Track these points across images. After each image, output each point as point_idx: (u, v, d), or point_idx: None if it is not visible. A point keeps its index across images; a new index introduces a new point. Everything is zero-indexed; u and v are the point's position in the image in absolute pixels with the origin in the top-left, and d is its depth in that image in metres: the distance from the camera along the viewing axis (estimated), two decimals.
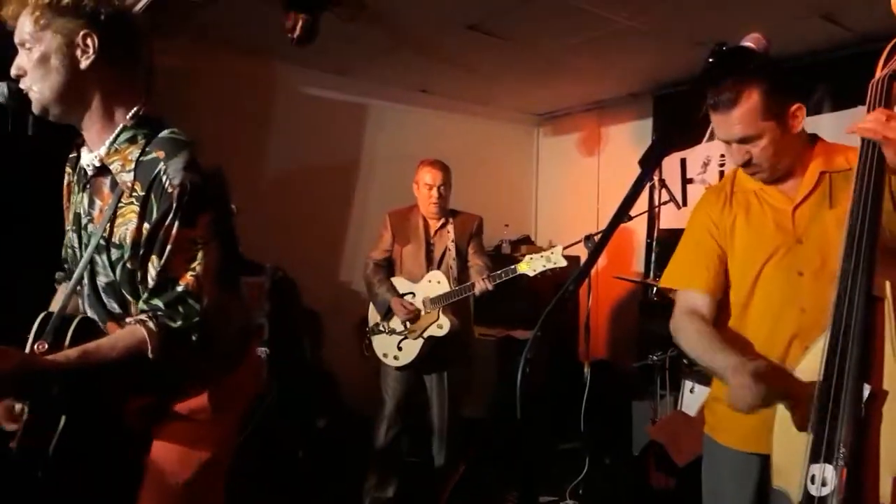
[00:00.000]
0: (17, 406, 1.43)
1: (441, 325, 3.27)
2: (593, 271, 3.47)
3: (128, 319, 1.46)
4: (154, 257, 1.44)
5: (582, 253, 4.09)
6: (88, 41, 1.44)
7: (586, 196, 5.63)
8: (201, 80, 4.05)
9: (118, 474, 1.57)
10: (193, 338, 1.44)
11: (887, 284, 1.38)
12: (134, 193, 1.45)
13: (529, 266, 3.15)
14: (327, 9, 3.25)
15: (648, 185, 4.06)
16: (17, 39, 1.44)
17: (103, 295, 1.56)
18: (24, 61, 1.44)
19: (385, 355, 3.38)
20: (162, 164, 1.43)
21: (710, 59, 1.60)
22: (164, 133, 1.51)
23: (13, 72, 1.46)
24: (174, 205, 1.41)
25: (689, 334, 1.75)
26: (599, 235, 1.53)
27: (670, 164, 4.81)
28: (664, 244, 4.30)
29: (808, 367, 1.47)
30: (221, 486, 1.70)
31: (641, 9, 3.44)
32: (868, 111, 1.49)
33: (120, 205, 1.47)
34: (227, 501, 1.74)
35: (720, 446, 1.81)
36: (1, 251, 2.44)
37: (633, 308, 5.10)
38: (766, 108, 1.62)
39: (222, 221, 1.54)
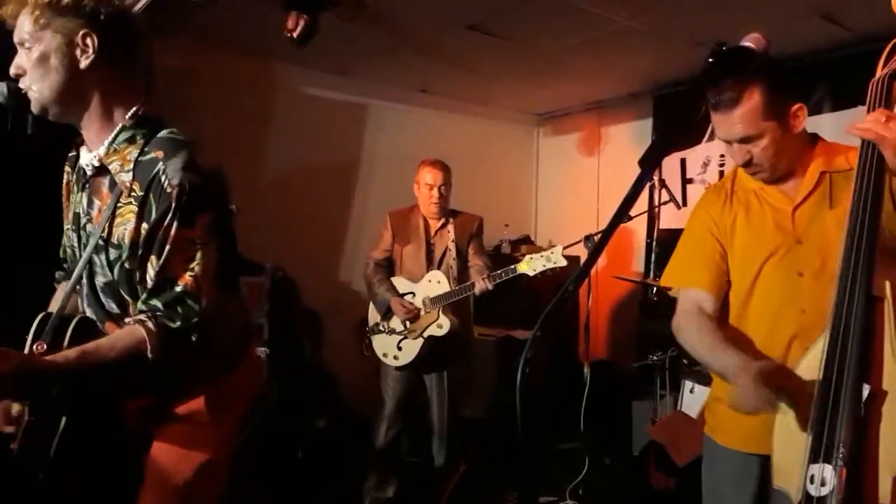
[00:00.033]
0: (15, 409, 1.43)
1: (441, 325, 3.27)
2: (593, 271, 3.47)
3: (127, 320, 1.46)
4: (153, 257, 1.44)
5: (582, 253, 4.09)
6: (88, 41, 1.43)
7: (586, 196, 5.63)
8: (201, 79, 4.05)
9: (118, 475, 1.56)
10: (193, 338, 1.44)
11: (887, 284, 1.37)
12: (133, 193, 1.45)
13: (529, 266, 3.15)
14: (327, 9, 3.25)
15: (648, 185, 4.06)
16: (16, 39, 1.44)
17: (101, 295, 1.56)
18: (23, 61, 1.44)
19: (385, 355, 3.38)
20: (161, 164, 1.43)
21: (710, 59, 1.60)
22: (163, 133, 1.50)
23: (12, 71, 1.46)
24: (173, 205, 1.41)
25: (691, 333, 1.75)
26: (599, 235, 1.53)
27: (670, 164, 4.81)
28: (664, 244, 4.30)
29: (808, 367, 1.47)
30: (220, 486, 1.70)
31: (641, 9, 3.44)
32: (868, 110, 1.49)
33: (119, 205, 1.47)
34: (227, 501, 1.74)
35: (720, 447, 1.81)
36: (1, 251, 2.44)
37: (633, 308, 5.11)
38: (768, 108, 1.62)
39: (221, 222, 1.53)
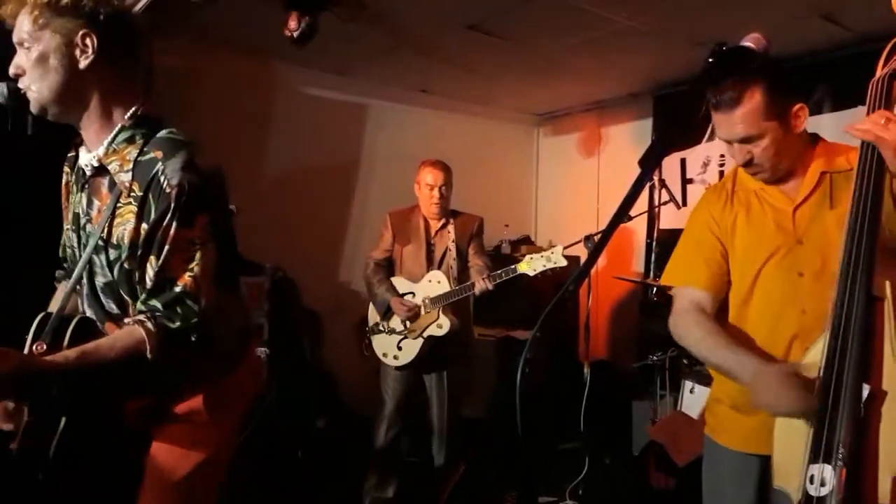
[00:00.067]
0: (12, 405, 1.43)
1: (441, 325, 3.27)
2: (593, 271, 3.47)
3: (126, 320, 1.46)
4: (152, 258, 1.43)
5: (582, 253, 4.09)
6: (87, 41, 1.43)
7: (586, 196, 5.63)
8: (201, 79, 4.05)
9: (118, 475, 1.56)
10: (192, 338, 1.44)
11: (887, 284, 1.38)
12: (132, 194, 1.45)
13: (529, 266, 3.15)
14: (327, 9, 3.26)
15: (648, 185, 4.06)
16: (15, 38, 1.44)
17: (101, 295, 1.55)
18: (22, 60, 1.44)
19: (385, 355, 3.38)
20: (160, 164, 1.43)
21: (710, 59, 1.60)
22: (163, 133, 1.50)
23: (11, 71, 1.46)
24: (172, 205, 1.41)
25: (693, 332, 1.74)
26: (599, 235, 1.53)
27: (670, 164, 4.80)
28: (664, 244, 4.29)
29: (808, 367, 1.47)
30: (217, 485, 1.70)
31: (641, 9, 3.44)
32: (868, 110, 1.49)
33: (118, 205, 1.47)
34: (227, 501, 1.74)
35: (721, 447, 1.81)
36: (1, 251, 2.44)
37: (633, 308, 5.10)
38: (769, 108, 1.62)
39: (221, 222, 1.53)
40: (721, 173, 4.51)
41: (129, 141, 1.49)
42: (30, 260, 2.03)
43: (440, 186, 3.34)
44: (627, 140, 5.45)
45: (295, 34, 3.14)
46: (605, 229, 1.36)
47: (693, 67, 2.75)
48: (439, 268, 3.37)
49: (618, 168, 5.41)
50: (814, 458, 1.37)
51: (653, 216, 4.54)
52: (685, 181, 4.82)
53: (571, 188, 5.90)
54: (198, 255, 1.45)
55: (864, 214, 1.42)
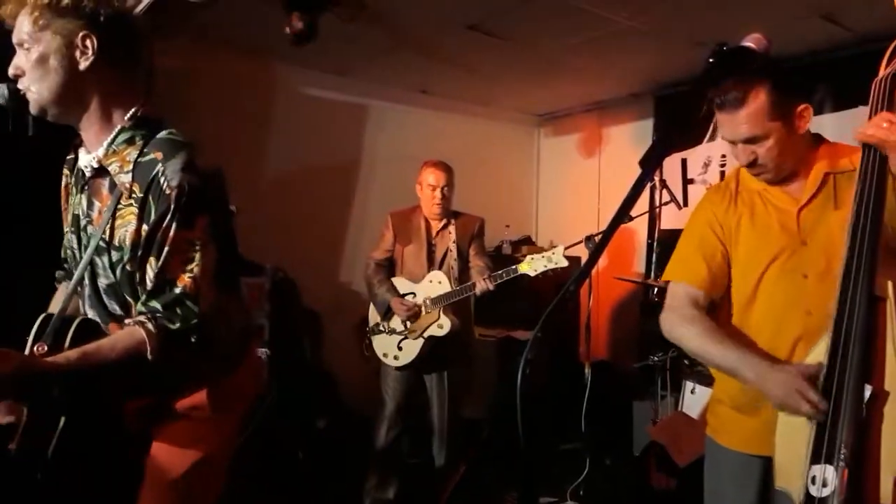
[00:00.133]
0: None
1: (441, 325, 3.27)
2: (594, 272, 3.46)
3: (127, 321, 1.46)
4: (152, 259, 1.43)
5: (583, 253, 4.09)
6: (88, 42, 1.43)
7: (587, 196, 5.63)
8: (201, 80, 4.05)
9: (118, 475, 1.56)
10: (192, 339, 1.44)
11: (889, 285, 1.37)
12: (133, 195, 1.45)
13: (530, 266, 3.15)
14: (327, 9, 3.25)
15: (649, 185, 4.06)
16: (15, 39, 1.44)
17: (104, 296, 1.55)
18: (22, 61, 1.44)
19: (385, 355, 3.38)
20: (160, 165, 1.43)
21: (711, 60, 1.60)
22: (163, 134, 1.50)
23: (11, 72, 1.46)
24: (172, 206, 1.41)
25: (687, 327, 1.74)
26: (600, 236, 1.52)
27: (671, 164, 4.80)
28: (665, 245, 4.29)
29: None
30: (218, 485, 1.70)
31: (641, 9, 3.44)
32: (871, 110, 1.49)
33: (119, 206, 1.47)
34: (228, 502, 1.74)
35: (722, 448, 1.81)
36: (1, 251, 2.44)
37: (634, 308, 5.10)
38: (773, 109, 1.61)
39: (221, 223, 1.53)
40: (722, 173, 4.51)
41: (129, 142, 1.49)
42: (30, 260, 2.03)
43: (442, 187, 3.34)
44: (628, 140, 5.45)
45: (295, 35, 3.14)
46: (606, 230, 1.36)
47: (694, 68, 2.74)
48: (440, 268, 3.37)
49: (618, 168, 5.41)
50: (816, 459, 1.37)
51: (654, 216, 4.53)
52: (686, 181, 4.81)
53: (572, 189, 5.90)
54: (198, 256, 1.44)
55: (867, 215, 1.41)
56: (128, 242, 1.45)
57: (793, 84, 1.68)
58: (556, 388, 4.21)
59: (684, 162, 4.81)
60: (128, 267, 1.47)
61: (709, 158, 4.65)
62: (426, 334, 3.28)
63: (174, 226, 1.41)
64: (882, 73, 1.51)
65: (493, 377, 4.55)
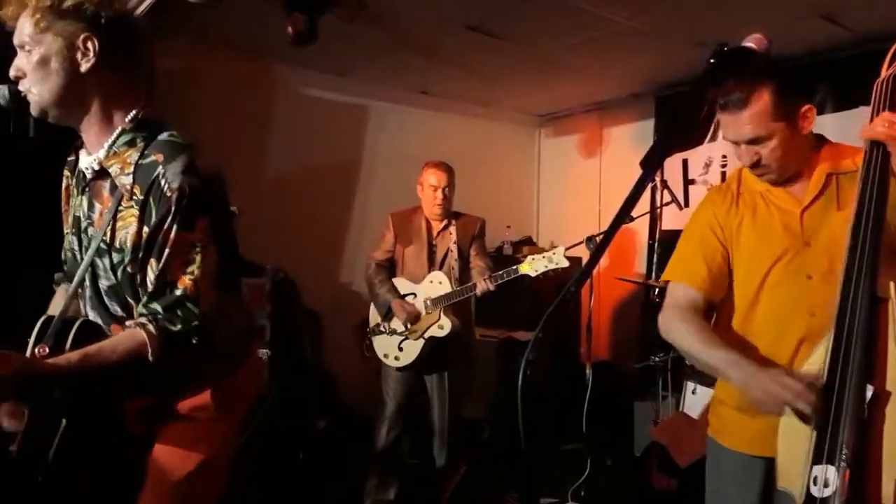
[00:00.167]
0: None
1: (442, 326, 3.27)
2: (595, 272, 3.46)
3: (128, 323, 1.46)
4: (153, 261, 1.44)
5: (584, 254, 4.08)
6: (89, 44, 1.43)
7: (588, 197, 5.63)
8: (202, 81, 4.05)
9: (119, 476, 1.56)
10: (193, 341, 1.44)
11: (891, 285, 1.37)
12: (133, 197, 1.45)
13: (531, 266, 3.14)
14: (327, 10, 3.25)
15: (650, 186, 4.06)
16: (16, 41, 1.44)
17: (105, 298, 1.55)
18: (23, 63, 1.44)
19: (386, 356, 3.38)
20: (160, 167, 1.43)
21: (712, 60, 1.59)
22: (163, 136, 1.50)
23: (12, 73, 1.46)
24: (172, 208, 1.41)
25: (681, 327, 1.74)
26: (601, 236, 1.52)
27: (672, 164, 4.80)
28: (666, 245, 4.28)
29: (813, 368, 1.46)
30: (219, 485, 1.70)
31: (642, 9, 3.44)
32: (873, 111, 1.49)
33: (120, 208, 1.47)
34: (228, 502, 1.74)
35: (724, 449, 1.80)
36: (2, 252, 2.44)
37: (635, 309, 5.10)
38: (777, 109, 1.61)
39: (221, 224, 1.53)
40: (723, 174, 4.51)
41: (130, 144, 1.49)
42: (31, 261, 2.03)
43: (444, 188, 3.34)
44: (629, 141, 5.45)
45: (296, 36, 3.14)
46: (607, 230, 1.36)
47: (694, 68, 2.74)
48: (441, 269, 3.37)
49: (619, 169, 5.41)
50: (817, 460, 1.37)
51: (655, 217, 4.53)
52: (687, 182, 4.81)
53: (573, 189, 5.90)
54: (198, 258, 1.44)
55: (868, 215, 1.41)
56: (128, 244, 1.45)
57: (796, 85, 1.67)
58: (557, 389, 4.21)
59: (685, 162, 4.81)
60: (129, 269, 1.47)
61: (710, 159, 4.65)
62: (427, 335, 3.28)
63: (175, 228, 1.41)
64: (884, 74, 1.51)
65: (494, 378, 4.55)
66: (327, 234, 4.81)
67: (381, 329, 3.41)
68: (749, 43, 1.67)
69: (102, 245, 1.49)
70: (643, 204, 4.24)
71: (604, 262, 4.83)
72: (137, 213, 1.44)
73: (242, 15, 3.62)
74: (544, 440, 4.19)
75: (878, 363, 1.36)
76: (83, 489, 1.49)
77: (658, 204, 4.27)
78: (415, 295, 3.35)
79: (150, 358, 1.39)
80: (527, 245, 5.50)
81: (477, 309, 3.77)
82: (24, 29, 1.42)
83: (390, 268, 3.49)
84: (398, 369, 3.36)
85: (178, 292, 1.43)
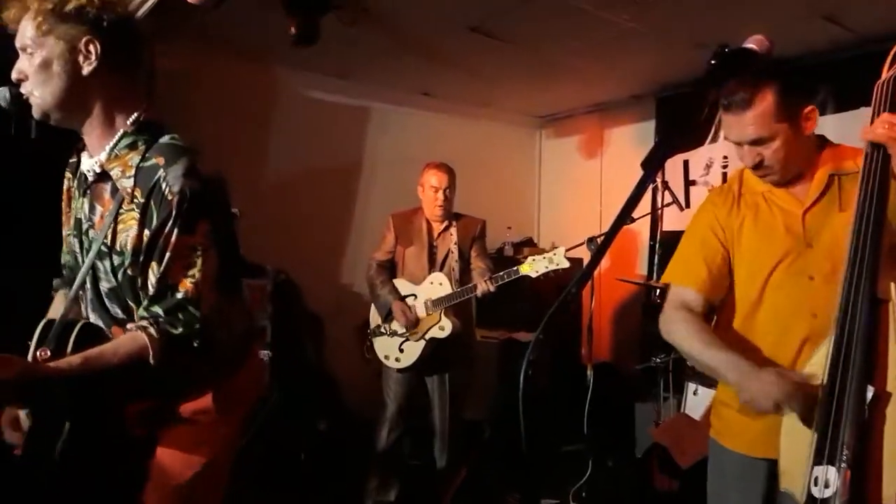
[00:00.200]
0: (24, 420, 1.43)
1: (443, 327, 3.27)
2: (596, 273, 3.47)
3: (128, 326, 1.46)
4: (154, 264, 1.44)
5: (585, 255, 4.08)
6: (91, 48, 1.43)
7: (589, 198, 5.62)
8: (203, 82, 4.06)
9: (121, 478, 1.56)
10: (195, 344, 1.44)
11: (892, 287, 1.37)
12: (134, 200, 1.45)
13: (532, 267, 3.14)
14: (328, 12, 3.26)
15: (651, 187, 4.06)
16: (18, 44, 1.44)
17: (106, 300, 1.56)
18: (25, 66, 1.44)
19: (386, 357, 3.38)
20: (161, 170, 1.43)
21: (713, 61, 1.59)
22: (165, 139, 1.50)
23: (14, 76, 1.46)
24: (173, 212, 1.41)
25: (681, 329, 1.74)
26: (602, 237, 1.52)
27: (673, 165, 4.80)
28: (667, 246, 4.28)
29: (813, 369, 1.46)
30: (221, 487, 1.70)
31: (643, 10, 3.44)
32: (874, 112, 1.49)
33: (121, 211, 1.47)
34: (230, 503, 1.74)
35: (727, 450, 1.80)
36: (4, 254, 2.44)
37: (636, 310, 5.10)
38: (780, 110, 1.61)
39: (222, 227, 1.53)
40: (724, 175, 4.51)
41: (131, 147, 1.49)
42: (32, 263, 2.03)
43: (445, 189, 3.34)
44: (630, 142, 5.44)
45: (297, 37, 3.15)
46: (608, 231, 1.36)
47: (695, 69, 2.75)
48: (441, 270, 3.37)
49: (620, 170, 5.41)
50: (818, 460, 1.37)
51: (656, 218, 4.52)
52: (688, 183, 4.81)
53: (574, 190, 5.90)
54: (199, 262, 1.45)
55: (868, 217, 1.41)
56: (129, 247, 1.45)
57: (800, 85, 1.67)
58: (558, 390, 4.20)
59: (686, 163, 4.81)
60: (129, 271, 1.48)
61: (711, 160, 4.65)
62: (427, 336, 3.28)
63: (176, 231, 1.42)
64: (885, 75, 1.51)
65: (495, 379, 4.55)
66: (328, 236, 4.81)
67: (382, 330, 3.41)
68: (750, 44, 1.67)
69: (103, 248, 1.49)
70: (644, 205, 4.24)
71: (605, 263, 4.84)
72: (138, 216, 1.44)
73: (243, 17, 3.62)
74: (545, 441, 4.19)
75: (879, 364, 1.36)
76: (86, 492, 1.49)
77: (659, 205, 4.27)
78: (415, 296, 3.35)
79: (152, 361, 1.39)
80: (528, 246, 5.50)
81: (478, 310, 3.77)
82: (26, 32, 1.42)
83: (391, 269, 3.50)
84: (399, 370, 3.36)
85: (179, 295, 1.43)
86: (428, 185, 3.38)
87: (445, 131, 5.36)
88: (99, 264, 1.52)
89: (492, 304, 3.52)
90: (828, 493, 1.34)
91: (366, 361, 3.51)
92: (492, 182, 5.58)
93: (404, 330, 3.33)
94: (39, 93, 1.44)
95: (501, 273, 3.19)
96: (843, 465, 1.32)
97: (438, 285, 3.31)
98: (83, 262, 1.55)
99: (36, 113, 1.48)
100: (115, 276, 1.51)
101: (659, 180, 4.18)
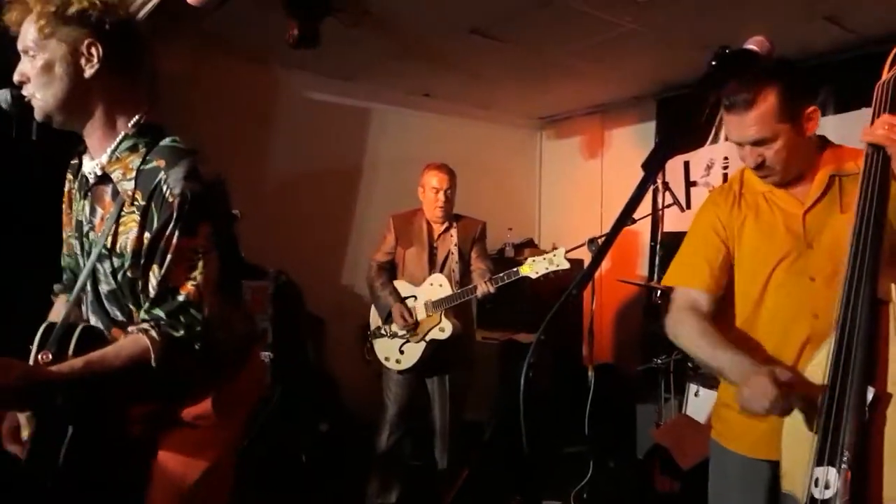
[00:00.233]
0: (25, 431, 1.43)
1: (443, 329, 3.26)
2: (597, 274, 3.46)
3: (130, 328, 1.46)
4: (155, 267, 1.44)
5: (586, 256, 4.08)
6: (93, 50, 1.43)
7: (589, 199, 5.63)
8: (204, 84, 4.06)
9: (124, 482, 1.56)
10: (196, 346, 1.44)
11: (892, 288, 1.37)
12: (135, 202, 1.45)
13: (532, 268, 3.14)
14: (330, 14, 3.26)
15: (652, 188, 4.06)
16: (20, 46, 1.44)
17: (105, 302, 1.56)
18: (27, 68, 1.44)
19: (387, 359, 3.38)
20: (162, 173, 1.43)
21: (713, 62, 1.59)
22: (166, 141, 1.50)
23: (16, 78, 1.46)
24: (174, 214, 1.41)
25: (687, 329, 1.73)
26: (603, 238, 1.52)
27: (674, 166, 4.80)
28: (668, 247, 4.28)
29: (814, 370, 1.46)
30: (226, 490, 1.70)
31: (643, 12, 3.44)
32: (874, 113, 1.49)
33: (122, 214, 1.47)
34: None
35: (728, 452, 1.80)
36: (5, 256, 2.44)
37: (637, 311, 5.10)
38: (782, 110, 1.60)
39: (223, 230, 1.53)
40: (725, 176, 4.51)
41: (132, 149, 1.50)
42: (33, 265, 2.03)
43: (445, 190, 3.34)
44: (630, 143, 5.45)
45: (298, 40, 3.15)
46: (609, 232, 1.36)
47: (696, 70, 2.75)
48: (441, 271, 3.36)
49: (621, 171, 5.41)
50: (819, 461, 1.37)
51: (656, 219, 4.52)
52: (689, 184, 4.81)
53: (575, 191, 5.90)
54: (200, 264, 1.45)
55: (869, 217, 1.41)
56: (129, 249, 1.45)
57: (802, 86, 1.67)
58: (559, 392, 4.21)
59: (687, 164, 4.81)
60: (129, 273, 1.47)
61: (711, 161, 4.65)
62: (428, 338, 3.28)
63: (177, 234, 1.42)
64: (885, 76, 1.51)
65: (496, 380, 4.54)
66: (330, 237, 4.81)
67: (382, 332, 3.41)
68: (751, 45, 1.66)
69: (103, 250, 1.49)
70: (645, 206, 4.25)
71: (606, 264, 4.84)
72: (139, 218, 1.44)
73: (245, 18, 3.63)
74: (546, 442, 4.19)
75: (880, 365, 1.36)
76: (89, 496, 1.49)
77: (660, 206, 4.27)
78: (415, 297, 3.35)
79: (153, 363, 1.39)
80: (528, 247, 5.50)
81: (479, 311, 3.77)
82: (28, 34, 1.42)
83: (391, 270, 3.49)
84: (399, 372, 3.36)
85: (180, 298, 1.43)
86: (428, 187, 3.37)
87: (446, 132, 5.37)
88: (99, 266, 1.52)
89: (493, 306, 3.52)
90: (828, 494, 1.34)
91: (366, 363, 3.51)
92: (492, 183, 5.58)
93: (404, 332, 3.32)
94: (41, 95, 1.44)
95: (501, 274, 3.19)
96: (844, 466, 1.32)
97: (438, 286, 3.31)
98: (84, 264, 1.55)
99: (38, 115, 1.48)
100: (114, 278, 1.51)
101: (660, 181, 4.17)
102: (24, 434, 1.48)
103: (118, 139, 1.50)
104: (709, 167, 4.67)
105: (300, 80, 4.64)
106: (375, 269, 3.49)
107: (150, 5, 2.47)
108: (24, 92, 1.47)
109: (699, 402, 3.39)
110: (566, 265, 3.13)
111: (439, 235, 3.42)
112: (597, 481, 3.64)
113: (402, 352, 3.33)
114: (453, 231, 3.41)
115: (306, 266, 4.23)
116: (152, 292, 1.44)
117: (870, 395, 1.35)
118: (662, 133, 5.01)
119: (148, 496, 1.57)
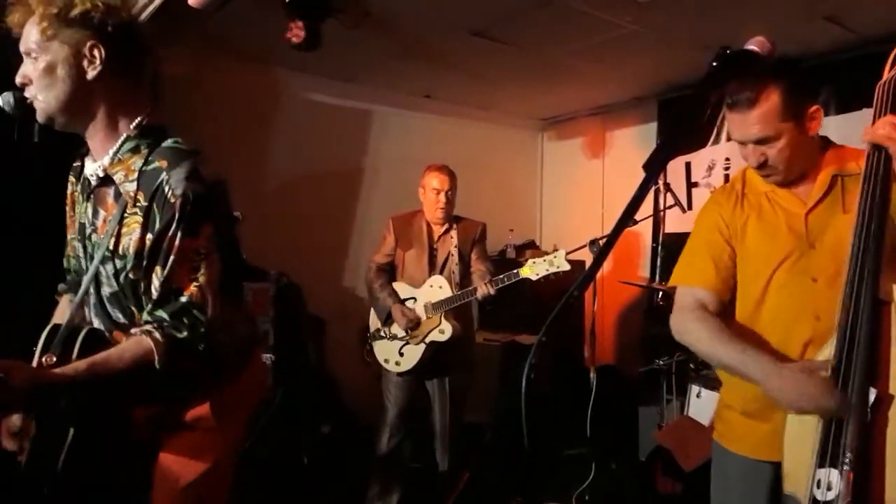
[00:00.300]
0: (15, 424, 1.43)
1: (443, 331, 3.26)
2: (598, 276, 3.46)
3: (133, 330, 1.46)
4: (157, 268, 1.44)
5: (587, 257, 4.08)
6: (95, 52, 1.44)
7: (591, 200, 5.63)
8: (205, 86, 4.06)
9: (125, 483, 1.56)
10: (199, 348, 1.44)
11: (894, 288, 1.37)
12: (137, 204, 1.45)
13: (532, 270, 3.14)
14: (331, 15, 3.26)
15: (653, 189, 4.06)
16: (22, 48, 1.45)
17: (108, 304, 1.56)
18: (29, 70, 1.45)
19: (386, 361, 3.37)
20: (164, 174, 1.43)
21: (714, 63, 1.59)
22: (168, 143, 1.51)
23: (18, 80, 1.47)
24: (176, 215, 1.41)
25: (696, 329, 1.72)
26: (604, 240, 1.52)
27: (675, 167, 4.80)
28: (670, 248, 4.29)
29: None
30: (224, 490, 1.70)
31: (644, 12, 3.44)
32: (875, 113, 1.49)
33: (124, 215, 1.47)
34: None
35: (731, 453, 1.79)
36: (7, 258, 2.45)
37: (639, 313, 5.09)
38: (785, 109, 1.60)
39: (225, 231, 1.53)
40: (726, 177, 4.50)
41: (134, 151, 1.50)
42: (36, 267, 2.04)
43: (446, 191, 3.34)
44: (632, 144, 5.45)
45: (299, 42, 3.15)
46: (611, 233, 1.36)
47: (697, 71, 2.74)
48: (441, 273, 3.36)
49: (622, 172, 5.41)
50: (821, 463, 1.36)
51: (658, 220, 4.53)
52: (690, 185, 4.81)
53: (576, 192, 5.90)
54: (203, 265, 1.45)
55: (871, 218, 1.41)
56: (131, 251, 1.46)
57: (805, 85, 1.66)
58: (560, 393, 4.20)
59: (688, 165, 4.81)
60: (131, 275, 1.47)
61: (713, 162, 4.65)
62: (427, 340, 3.28)
63: (179, 235, 1.42)
64: (886, 76, 1.50)
65: (497, 382, 4.54)
66: (331, 239, 4.81)
67: (382, 334, 3.40)
68: (752, 46, 1.66)
69: (107, 252, 1.49)
70: (646, 207, 4.25)
71: (607, 265, 4.83)
72: (141, 219, 1.44)
73: (246, 20, 3.63)
74: (548, 444, 4.18)
75: (882, 366, 1.36)
76: (90, 498, 1.49)
77: (661, 207, 4.27)
78: (415, 299, 3.35)
79: (157, 365, 1.39)
80: (530, 248, 5.50)
81: (480, 313, 3.77)
82: (30, 36, 1.43)
83: (390, 271, 3.49)
84: (399, 374, 3.35)
85: (183, 299, 1.43)
86: (429, 188, 3.37)
87: (447, 134, 5.37)
88: (102, 269, 1.52)
89: (494, 307, 3.52)
90: (830, 495, 1.33)
91: (366, 365, 3.51)
92: (494, 184, 5.59)
93: (404, 333, 3.32)
94: (43, 97, 1.45)
95: (501, 276, 3.18)
96: (846, 467, 1.32)
97: (438, 288, 3.30)
98: (87, 266, 1.55)
99: (40, 117, 1.48)
100: (117, 280, 1.51)
101: (661, 182, 4.18)
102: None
103: (120, 141, 1.50)
104: (710, 168, 4.66)
105: (301, 82, 4.65)
106: (374, 271, 3.48)
107: (152, 7, 2.48)
108: (27, 94, 1.47)
109: (701, 404, 3.38)
110: (566, 266, 3.13)
111: (439, 237, 3.42)
112: (598, 483, 3.64)
113: (401, 354, 3.33)
114: (453, 232, 3.40)
115: (307, 268, 4.23)
116: (155, 294, 1.44)
117: (872, 397, 1.34)
118: (664, 134, 5.01)
119: (149, 497, 1.57)
